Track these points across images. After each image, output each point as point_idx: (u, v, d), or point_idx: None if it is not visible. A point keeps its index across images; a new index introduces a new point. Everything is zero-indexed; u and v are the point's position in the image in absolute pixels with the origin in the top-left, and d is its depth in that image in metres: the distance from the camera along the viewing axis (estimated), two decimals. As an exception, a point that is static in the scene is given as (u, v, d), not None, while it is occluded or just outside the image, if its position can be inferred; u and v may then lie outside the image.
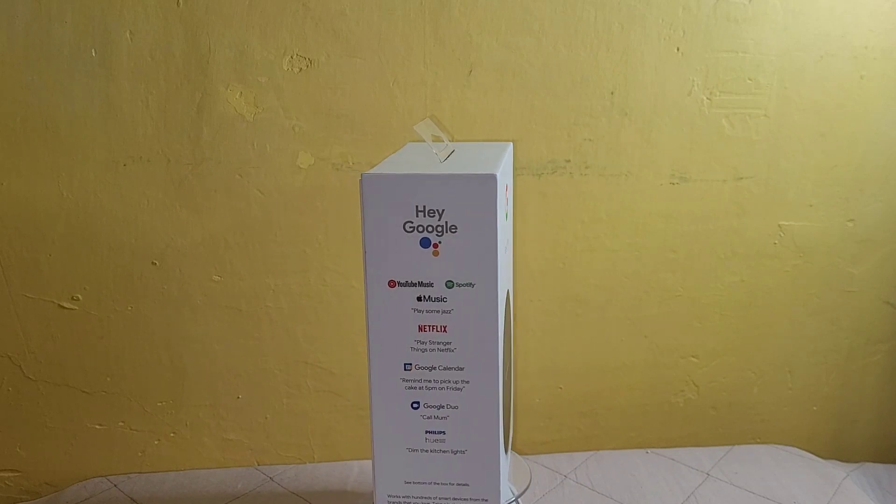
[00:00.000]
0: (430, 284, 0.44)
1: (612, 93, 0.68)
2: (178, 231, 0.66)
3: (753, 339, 0.76)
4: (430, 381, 0.46)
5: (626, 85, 0.68)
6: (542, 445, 0.76)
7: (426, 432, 0.46)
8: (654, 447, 0.75)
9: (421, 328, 0.45)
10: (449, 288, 0.44)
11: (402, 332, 0.45)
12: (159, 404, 0.70)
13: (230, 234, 0.67)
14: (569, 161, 0.69)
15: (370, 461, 0.72)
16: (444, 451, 0.47)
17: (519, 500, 0.55)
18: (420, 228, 0.43)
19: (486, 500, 0.47)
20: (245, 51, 0.63)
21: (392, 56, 0.64)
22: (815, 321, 0.76)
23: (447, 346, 0.45)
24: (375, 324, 0.45)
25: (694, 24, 0.67)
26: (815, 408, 0.79)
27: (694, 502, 0.65)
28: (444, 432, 0.46)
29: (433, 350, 0.45)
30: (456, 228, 0.43)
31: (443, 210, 0.43)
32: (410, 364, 0.45)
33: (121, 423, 0.70)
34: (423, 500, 0.47)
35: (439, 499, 0.47)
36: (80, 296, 0.67)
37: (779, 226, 0.73)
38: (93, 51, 0.62)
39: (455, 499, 0.47)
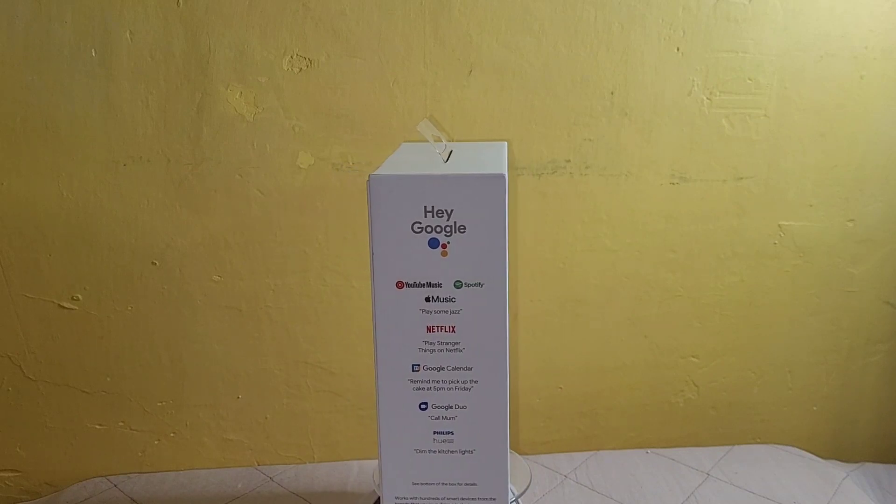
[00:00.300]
0: (439, 285, 0.44)
1: (612, 93, 0.68)
2: (178, 231, 0.66)
3: (753, 339, 0.76)
4: (438, 382, 0.46)
5: (626, 85, 0.68)
6: (542, 445, 0.76)
7: (434, 433, 0.46)
8: (654, 447, 0.75)
9: (429, 329, 0.45)
10: (458, 288, 0.44)
11: (410, 334, 0.45)
12: (159, 404, 0.70)
13: (230, 234, 0.67)
14: (569, 161, 0.69)
15: (370, 461, 0.72)
16: (452, 452, 0.47)
17: (519, 500, 0.55)
18: (428, 229, 0.43)
19: (494, 499, 0.48)
20: (245, 51, 0.63)
21: (392, 56, 0.64)
22: (815, 321, 0.76)
23: (456, 346, 0.45)
24: (383, 325, 0.45)
25: (694, 24, 0.67)
26: (815, 408, 0.79)
27: (694, 502, 0.65)
28: (452, 433, 0.46)
29: (441, 350, 0.45)
30: (465, 228, 0.43)
31: (451, 210, 0.43)
32: (418, 365, 0.45)
33: (121, 423, 0.70)
34: (431, 501, 0.47)
35: (447, 499, 0.47)
36: (80, 296, 0.67)
37: (779, 226, 0.73)
38: (93, 51, 0.62)
39: (463, 499, 0.47)
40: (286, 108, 0.64)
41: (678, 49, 0.67)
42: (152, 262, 0.67)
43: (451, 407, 0.46)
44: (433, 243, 0.43)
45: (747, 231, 0.73)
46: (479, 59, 0.65)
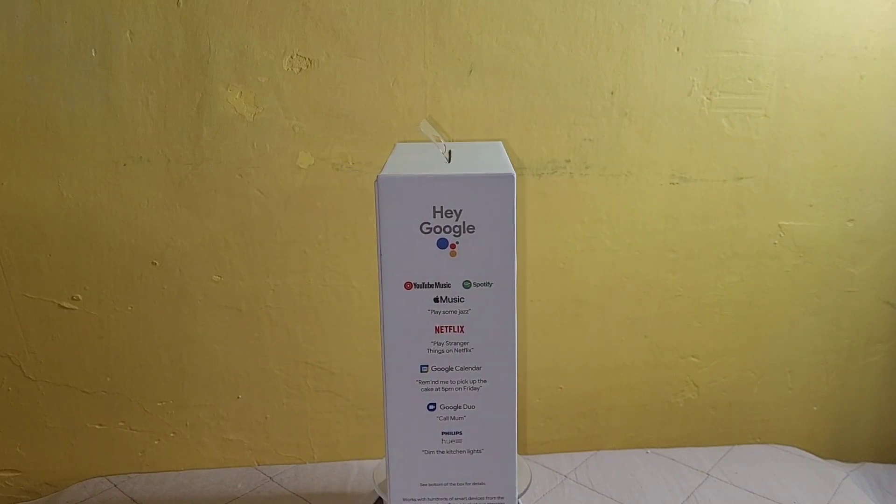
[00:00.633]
0: (448, 285, 0.44)
1: (612, 93, 0.68)
2: (178, 231, 0.66)
3: (753, 339, 0.76)
4: (446, 382, 0.46)
5: (626, 85, 0.68)
6: (542, 445, 0.76)
7: (442, 433, 0.46)
8: (654, 447, 0.75)
9: (438, 329, 0.45)
10: (466, 288, 0.44)
11: (418, 334, 0.45)
12: (159, 404, 0.70)
13: (230, 234, 0.67)
14: (569, 161, 0.69)
15: (370, 461, 0.72)
16: (460, 452, 0.47)
17: (519, 500, 0.55)
18: (437, 229, 0.43)
19: (503, 498, 0.48)
20: (245, 51, 0.63)
21: (392, 56, 0.64)
22: (815, 321, 0.76)
23: (464, 347, 0.45)
24: (391, 326, 0.45)
25: (694, 24, 0.67)
26: (815, 408, 0.79)
27: (694, 502, 0.65)
28: (460, 433, 0.46)
29: (450, 351, 0.45)
30: (473, 228, 0.43)
31: (460, 210, 0.43)
32: (427, 366, 0.45)
33: (121, 423, 0.70)
34: (438, 502, 0.47)
35: (454, 499, 0.47)
36: (80, 296, 0.67)
37: (779, 226, 0.73)
38: (93, 51, 0.62)
39: (470, 498, 0.47)
40: (286, 108, 0.64)
41: (678, 49, 0.67)
42: (152, 262, 0.67)
43: (459, 407, 0.46)
44: (442, 243, 0.43)
45: (747, 231, 0.73)
46: (479, 59, 0.65)
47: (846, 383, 0.79)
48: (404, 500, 0.47)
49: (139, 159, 0.64)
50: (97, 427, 0.70)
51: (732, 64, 0.68)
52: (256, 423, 0.72)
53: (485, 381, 0.46)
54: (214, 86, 0.63)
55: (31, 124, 0.63)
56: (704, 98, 0.69)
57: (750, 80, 0.69)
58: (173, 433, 0.71)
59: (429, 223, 0.43)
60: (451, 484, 0.47)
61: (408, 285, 0.44)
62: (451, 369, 0.45)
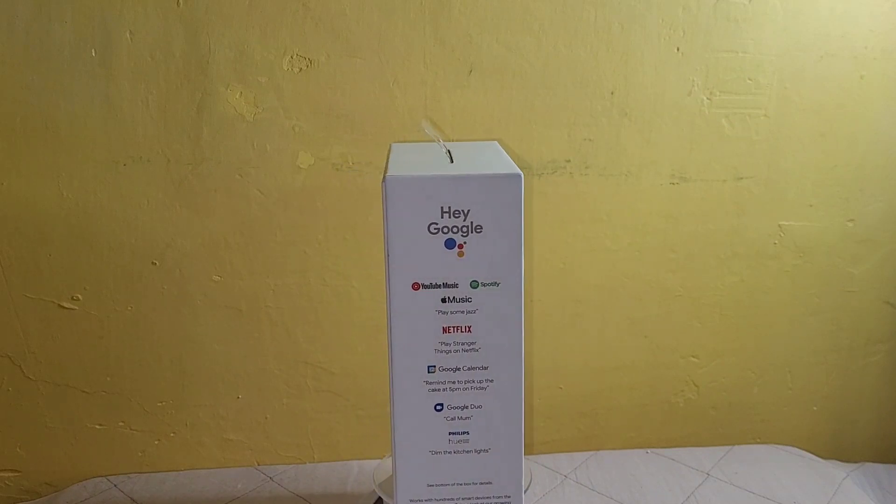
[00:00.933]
0: (455, 285, 0.44)
1: (612, 93, 0.68)
2: (178, 231, 0.66)
3: (753, 339, 0.76)
4: (454, 383, 0.46)
5: (626, 85, 0.68)
6: (542, 445, 0.76)
7: (449, 434, 0.46)
8: (654, 447, 0.75)
9: (445, 329, 0.45)
10: (474, 288, 0.44)
11: (426, 335, 0.45)
12: (159, 404, 0.70)
13: (230, 234, 0.67)
14: (569, 161, 0.69)
15: (370, 461, 0.72)
16: (467, 452, 0.47)
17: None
18: (445, 229, 0.43)
19: (509, 497, 0.48)
20: (245, 51, 0.63)
21: (392, 56, 0.64)
22: (815, 321, 0.76)
23: (472, 346, 0.45)
24: (399, 327, 0.44)
25: (694, 24, 0.67)
26: (815, 408, 0.79)
27: (694, 502, 0.65)
28: (467, 432, 0.46)
29: (457, 351, 0.45)
30: (481, 228, 0.43)
31: (468, 210, 0.43)
32: (434, 366, 0.45)
33: (121, 423, 0.70)
34: (445, 502, 0.47)
35: (461, 499, 0.47)
36: (80, 296, 0.67)
37: (779, 226, 0.73)
38: (93, 51, 0.62)
39: (477, 498, 0.47)
40: (286, 108, 0.64)
41: (678, 49, 0.67)
42: (152, 262, 0.67)
43: (466, 407, 0.46)
44: (450, 244, 0.43)
45: (747, 231, 0.73)
46: (479, 59, 0.65)
47: (846, 383, 0.79)
48: (411, 501, 0.47)
49: (139, 159, 0.64)
50: (97, 427, 0.70)
51: (732, 64, 0.68)
52: (256, 423, 0.72)
53: (492, 381, 0.46)
54: (214, 86, 0.63)
55: (31, 124, 0.63)
56: (704, 98, 0.69)
57: (750, 80, 0.69)
58: (173, 433, 0.71)
59: (436, 223, 0.43)
60: (457, 484, 0.47)
61: (415, 286, 0.44)
62: (459, 369, 0.45)
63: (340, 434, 0.73)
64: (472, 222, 0.43)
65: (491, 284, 0.44)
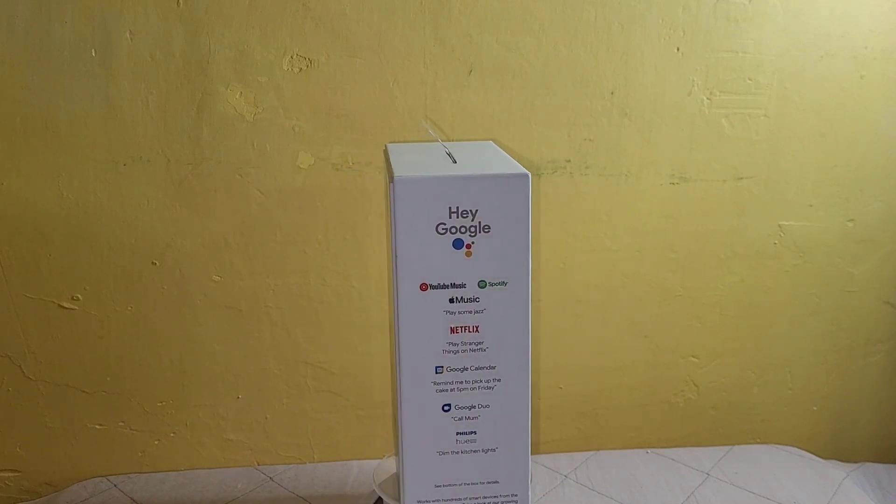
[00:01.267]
0: (463, 285, 0.44)
1: (612, 93, 0.68)
2: (178, 231, 0.66)
3: (753, 339, 0.76)
4: (461, 383, 0.46)
5: (626, 85, 0.68)
6: (542, 445, 0.76)
7: (457, 434, 0.46)
8: (654, 447, 0.75)
9: (453, 330, 0.45)
10: (482, 288, 0.44)
11: (434, 336, 0.45)
12: (159, 404, 0.70)
13: (230, 234, 0.67)
14: (569, 161, 0.69)
15: (370, 461, 0.72)
16: (474, 451, 0.47)
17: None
18: (453, 230, 0.43)
19: (516, 495, 0.48)
20: (245, 51, 0.63)
21: (392, 56, 0.64)
22: (815, 321, 0.76)
23: (479, 346, 0.45)
24: (407, 329, 0.44)
25: (694, 24, 0.67)
26: (815, 408, 0.79)
27: (694, 502, 0.65)
28: (475, 432, 0.46)
29: (465, 351, 0.45)
30: (489, 228, 0.43)
31: (476, 210, 0.43)
32: (442, 367, 0.45)
33: (121, 423, 0.70)
34: (453, 503, 0.47)
35: (469, 499, 0.47)
36: (80, 296, 0.67)
37: (779, 226, 0.73)
38: (93, 51, 0.62)
39: (485, 497, 0.47)
40: (286, 108, 0.64)
41: (678, 49, 0.67)
42: (152, 262, 0.67)
43: (474, 407, 0.46)
44: (458, 244, 0.43)
45: (747, 231, 0.73)
46: (479, 59, 0.65)
47: (846, 383, 0.79)
48: (418, 502, 0.47)
49: (139, 159, 0.64)
50: (97, 427, 0.70)
51: (732, 64, 0.68)
52: (256, 423, 0.72)
53: (499, 380, 0.46)
54: (214, 86, 0.63)
55: (31, 124, 0.63)
56: (704, 98, 0.69)
57: (750, 80, 0.69)
58: (173, 433, 0.71)
59: (444, 224, 0.43)
60: (464, 484, 0.47)
61: (423, 286, 0.44)
62: (466, 369, 0.45)
63: (340, 434, 0.73)
64: (479, 222, 0.43)
65: (498, 284, 0.44)
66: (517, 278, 0.44)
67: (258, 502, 0.66)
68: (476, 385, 0.46)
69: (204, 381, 0.70)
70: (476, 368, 0.45)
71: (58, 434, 0.70)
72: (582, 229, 0.70)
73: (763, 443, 0.78)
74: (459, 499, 0.47)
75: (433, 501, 0.47)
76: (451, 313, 0.44)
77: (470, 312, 0.44)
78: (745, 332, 0.76)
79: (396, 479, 0.54)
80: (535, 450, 0.76)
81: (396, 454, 0.54)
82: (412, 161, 0.47)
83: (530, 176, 0.43)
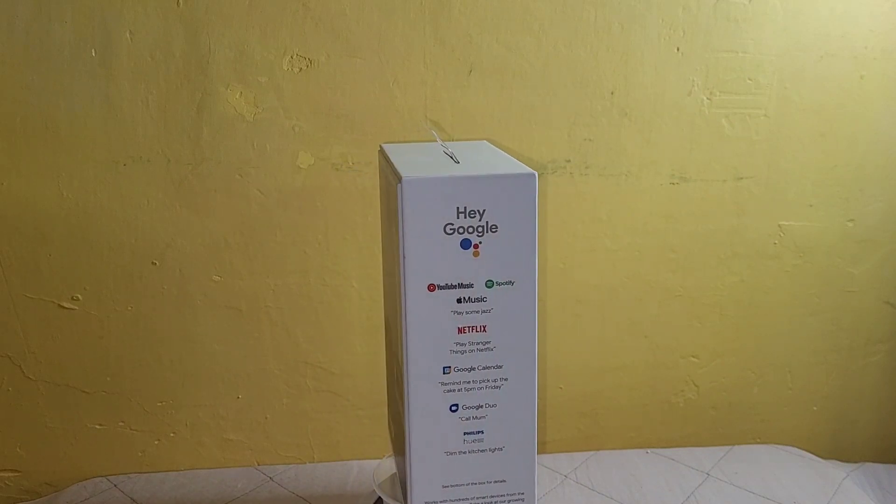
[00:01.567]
0: (471, 285, 0.44)
1: (612, 93, 0.68)
2: (178, 231, 0.66)
3: (753, 339, 0.76)
4: (469, 382, 0.45)
5: (626, 85, 0.68)
6: (542, 445, 0.76)
7: (464, 434, 0.46)
8: (654, 447, 0.75)
9: (460, 330, 0.44)
10: (489, 287, 0.44)
11: (441, 336, 0.44)
12: (159, 404, 0.70)
13: (230, 234, 0.67)
14: (569, 161, 0.69)
15: (370, 461, 0.72)
16: (482, 451, 0.47)
17: None
18: (461, 230, 0.43)
19: (523, 494, 0.47)
20: (245, 51, 0.63)
21: (392, 56, 0.64)
22: (815, 321, 0.76)
23: (486, 346, 0.45)
24: (415, 330, 0.44)
25: (694, 24, 0.67)
26: (815, 408, 0.79)
27: (694, 502, 0.65)
28: (482, 431, 0.46)
29: (472, 351, 0.45)
30: (497, 228, 0.43)
31: (484, 210, 0.43)
32: (449, 367, 0.45)
33: (121, 423, 0.70)
34: (461, 503, 0.47)
35: (476, 498, 0.47)
36: (80, 296, 0.67)
37: (779, 226, 0.73)
38: (93, 51, 0.62)
39: (492, 496, 0.47)
40: (286, 108, 0.65)
41: (678, 49, 0.67)
42: (152, 262, 0.67)
43: (481, 406, 0.46)
44: (465, 244, 0.43)
45: (747, 231, 0.73)
46: (479, 59, 0.65)
47: (846, 383, 0.79)
48: (426, 503, 0.47)
49: (139, 159, 0.64)
50: (97, 427, 0.70)
51: (732, 64, 0.68)
52: (256, 423, 0.72)
53: (506, 380, 0.46)
54: (214, 86, 0.63)
55: (31, 124, 0.63)
56: (704, 98, 0.69)
57: (750, 80, 0.69)
58: (173, 433, 0.71)
59: (452, 224, 0.43)
60: (472, 483, 0.47)
61: (431, 287, 0.44)
62: (474, 369, 0.45)
63: (340, 434, 0.73)
64: (487, 222, 0.43)
65: (506, 283, 0.44)
66: (524, 277, 0.44)
67: (258, 502, 0.66)
68: (483, 384, 0.46)
69: (204, 381, 0.70)
70: (483, 368, 0.45)
71: (58, 434, 0.70)
72: (582, 229, 0.70)
73: (763, 443, 0.78)
74: (466, 499, 0.47)
75: (441, 502, 0.47)
76: (459, 313, 0.44)
77: (477, 312, 0.44)
78: (745, 332, 0.76)
79: (396, 479, 0.54)
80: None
81: (396, 454, 0.54)
82: (415, 161, 0.47)
83: (537, 175, 0.43)
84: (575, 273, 0.71)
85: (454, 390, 0.45)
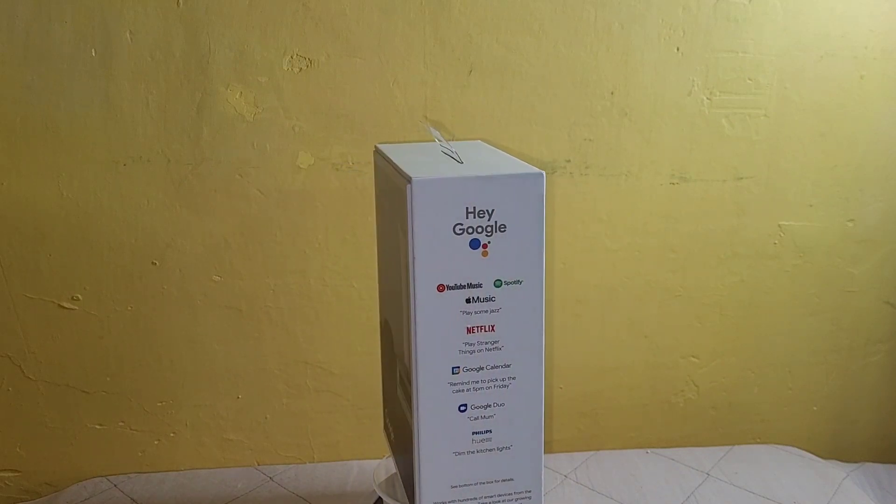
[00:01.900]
0: (479, 285, 0.44)
1: (612, 93, 0.68)
2: (178, 231, 0.66)
3: (753, 339, 0.76)
4: (477, 382, 0.45)
5: (626, 85, 0.68)
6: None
7: (473, 433, 0.46)
8: (654, 447, 0.75)
9: (469, 330, 0.44)
10: (497, 287, 0.44)
11: (450, 337, 0.44)
12: (159, 404, 0.70)
13: (230, 234, 0.67)
14: (569, 161, 0.69)
15: (370, 461, 0.72)
16: (490, 450, 0.46)
17: None
18: (470, 230, 0.43)
19: (530, 492, 0.47)
20: (245, 51, 0.63)
21: (392, 56, 0.64)
22: (815, 321, 0.76)
23: (494, 345, 0.45)
24: (424, 330, 0.44)
25: (694, 24, 0.67)
26: (815, 408, 0.79)
27: (694, 502, 0.65)
28: (490, 431, 0.46)
29: (481, 350, 0.45)
30: (505, 227, 0.43)
31: (492, 210, 0.43)
32: (458, 367, 0.45)
33: (121, 423, 0.70)
34: (469, 502, 0.47)
35: (484, 497, 0.47)
36: (80, 296, 0.67)
37: (779, 226, 0.73)
38: (93, 51, 0.62)
39: (499, 495, 0.47)
40: (286, 108, 0.65)
41: (678, 49, 0.67)
42: (152, 262, 0.67)
43: (489, 406, 0.46)
44: (474, 244, 0.43)
45: (747, 231, 0.73)
46: (479, 59, 0.65)
47: (846, 383, 0.79)
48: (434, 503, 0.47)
49: (139, 159, 0.64)
50: (97, 427, 0.70)
51: (732, 64, 0.68)
52: (256, 423, 0.72)
53: (514, 378, 0.46)
54: (214, 86, 0.63)
55: (31, 124, 0.63)
56: (704, 98, 0.69)
57: (750, 80, 0.69)
58: (173, 433, 0.71)
59: (461, 224, 0.43)
60: (480, 483, 0.47)
61: (440, 288, 0.43)
62: (482, 368, 0.45)
63: (340, 434, 0.73)
64: (495, 222, 0.43)
65: (514, 283, 0.44)
66: (532, 275, 0.44)
67: (258, 502, 0.66)
68: (491, 384, 0.46)
69: (204, 381, 0.70)
70: (491, 367, 0.45)
71: (58, 434, 0.70)
72: (582, 229, 0.70)
73: (763, 443, 0.78)
74: (474, 498, 0.47)
75: (449, 502, 0.47)
76: (468, 313, 0.44)
77: (486, 312, 0.44)
78: (745, 332, 0.76)
79: (396, 479, 0.54)
80: (535, 450, 0.76)
81: (395, 454, 0.54)
82: (419, 162, 0.47)
83: (544, 175, 0.43)
84: (575, 273, 0.71)
85: (463, 390, 0.45)
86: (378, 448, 0.73)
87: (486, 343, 0.45)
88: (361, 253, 0.68)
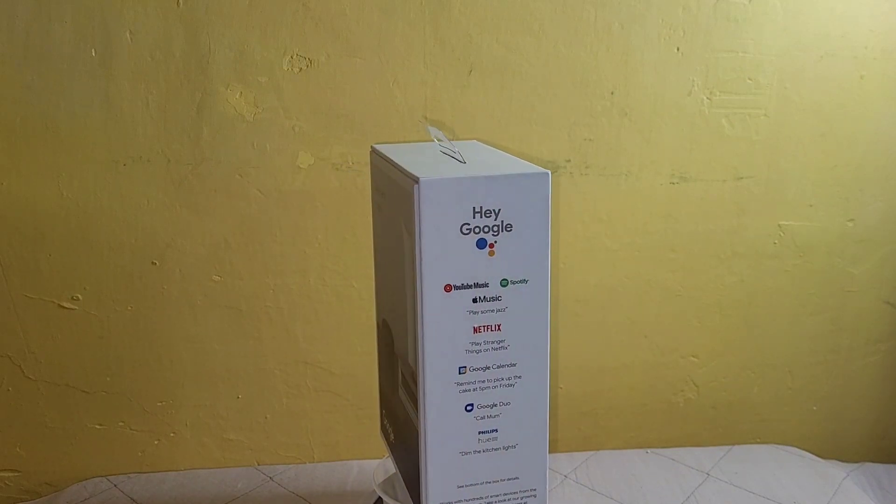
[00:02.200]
0: (486, 285, 0.44)
1: (612, 93, 0.68)
2: (178, 231, 0.66)
3: (753, 339, 0.76)
4: (483, 382, 0.45)
5: (626, 85, 0.68)
6: (542, 445, 0.76)
7: (479, 433, 0.46)
8: (654, 447, 0.75)
9: (476, 329, 0.44)
10: (504, 286, 0.44)
11: (457, 336, 0.44)
12: (159, 404, 0.70)
13: (230, 235, 0.67)
14: (569, 161, 0.69)
15: (370, 461, 0.72)
16: (495, 449, 0.47)
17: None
18: (477, 229, 0.43)
19: (535, 490, 0.47)
20: (245, 51, 0.63)
21: (392, 56, 0.64)
22: (815, 321, 0.76)
23: (501, 344, 0.45)
24: (431, 331, 0.44)
25: (694, 24, 0.67)
26: (814, 408, 0.79)
27: (694, 502, 0.65)
28: (496, 430, 0.46)
29: (487, 350, 0.45)
30: (511, 227, 0.43)
31: (499, 210, 0.43)
32: (465, 367, 0.45)
33: (121, 423, 0.70)
34: (475, 502, 0.47)
35: (490, 496, 0.47)
36: (80, 296, 0.67)
37: (779, 226, 0.73)
38: (93, 51, 0.62)
39: (505, 493, 0.47)
40: (286, 108, 0.65)
41: (678, 49, 0.67)
42: (152, 262, 0.67)
43: (495, 405, 0.46)
44: (481, 244, 0.43)
45: (747, 231, 0.73)
46: (479, 59, 0.65)
47: (846, 383, 0.79)
48: None
49: (139, 159, 0.64)
50: (97, 427, 0.70)
51: (732, 64, 0.68)
52: (256, 423, 0.72)
53: (520, 377, 0.46)
54: (214, 86, 0.63)
55: (31, 124, 0.63)
56: (704, 98, 0.69)
57: (750, 80, 0.69)
58: (173, 433, 0.71)
59: (468, 224, 0.43)
60: (485, 482, 0.47)
61: (447, 288, 0.43)
62: (489, 368, 0.45)
63: (340, 434, 0.73)
64: (502, 221, 0.43)
65: (520, 282, 0.44)
66: (538, 274, 0.44)
67: (258, 502, 0.66)
68: (497, 383, 0.46)
69: (204, 381, 0.70)
70: (498, 367, 0.45)
71: (58, 434, 0.70)
72: (582, 229, 0.70)
73: (763, 443, 0.78)
74: (480, 497, 0.47)
75: (456, 502, 0.47)
76: (475, 313, 0.44)
77: (492, 311, 0.44)
78: (745, 331, 0.76)
79: (396, 479, 0.54)
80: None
81: (395, 455, 0.54)
82: (422, 162, 0.46)
83: (550, 175, 0.43)
84: (575, 273, 0.71)
85: (469, 390, 0.45)
86: (378, 448, 0.73)
87: (493, 342, 0.45)
88: (361, 253, 0.68)
